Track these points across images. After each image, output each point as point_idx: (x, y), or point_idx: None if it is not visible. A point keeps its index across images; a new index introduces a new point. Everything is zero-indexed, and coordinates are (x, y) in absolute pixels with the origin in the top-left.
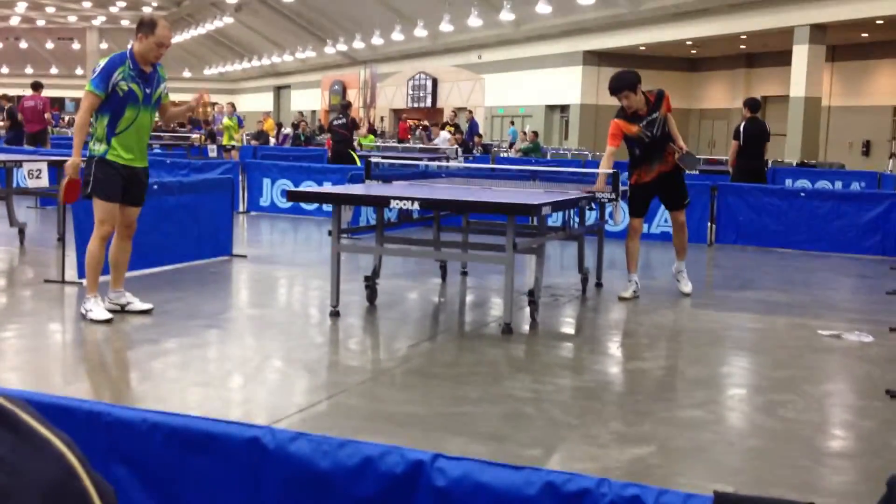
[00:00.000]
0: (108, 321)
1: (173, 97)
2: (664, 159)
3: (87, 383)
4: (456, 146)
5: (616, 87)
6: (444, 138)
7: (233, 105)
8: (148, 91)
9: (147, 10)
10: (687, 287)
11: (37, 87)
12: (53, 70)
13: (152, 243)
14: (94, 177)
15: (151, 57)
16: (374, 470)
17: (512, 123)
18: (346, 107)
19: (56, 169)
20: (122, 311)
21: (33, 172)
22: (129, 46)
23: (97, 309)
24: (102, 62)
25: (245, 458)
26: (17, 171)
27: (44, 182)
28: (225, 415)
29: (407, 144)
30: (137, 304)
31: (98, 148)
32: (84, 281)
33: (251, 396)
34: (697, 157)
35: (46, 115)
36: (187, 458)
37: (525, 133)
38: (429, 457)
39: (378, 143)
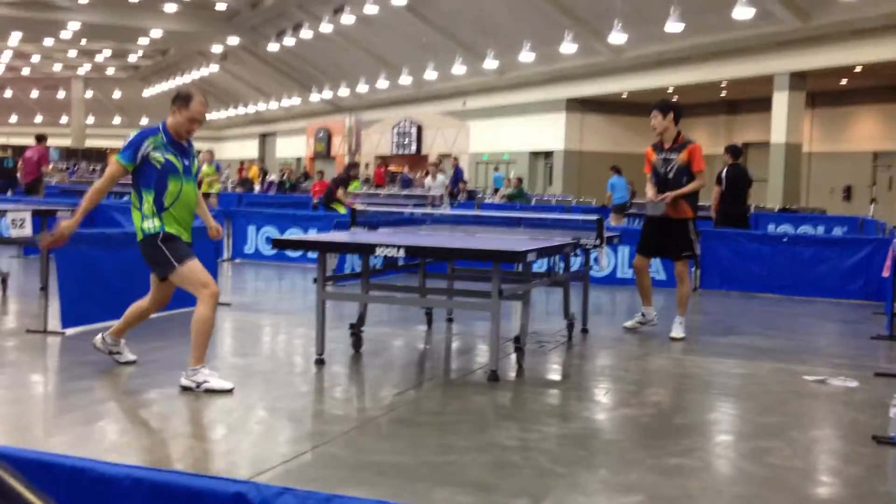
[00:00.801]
0: (230, 390)
1: None
2: (671, 205)
3: (69, 435)
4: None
5: (652, 106)
6: (440, 182)
7: (211, 152)
8: (186, 163)
9: (133, 58)
10: (674, 332)
11: (39, 139)
12: (38, 119)
13: (138, 292)
14: (168, 251)
15: (183, 132)
16: None
17: (496, 169)
18: (350, 166)
19: (41, 218)
20: (108, 354)
21: (16, 221)
22: (163, 120)
23: (214, 379)
24: (133, 134)
25: None
26: (1, 220)
27: (27, 231)
28: (208, 466)
29: (391, 192)
30: (124, 357)
31: (152, 226)
32: (107, 331)
33: (235, 447)
34: (662, 207)
35: (43, 168)
36: None
37: (510, 179)
38: None
39: (363, 190)
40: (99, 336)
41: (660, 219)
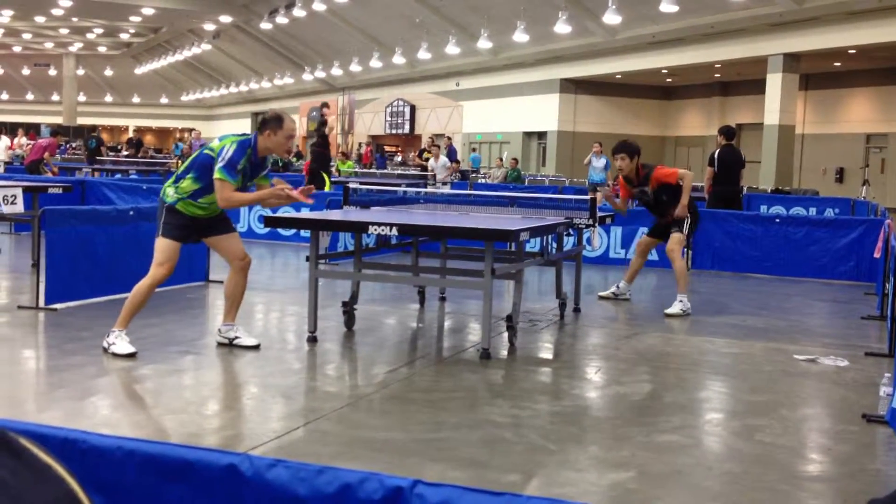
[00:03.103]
0: (131, 355)
1: (150, 123)
2: (667, 217)
3: (62, 411)
4: (450, 174)
5: (616, 148)
6: (443, 164)
7: (197, 132)
8: (248, 183)
9: (124, 36)
10: (669, 308)
11: (54, 133)
12: (29, 96)
13: (128, 269)
14: (165, 221)
15: (282, 150)
16: (353, 497)
17: (474, 150)
18: (320, 124)
19: (31, 195)
20: (230, 344)
21: (8, 198)
22: (253, 135)
23: (121, 343)
24: (229, 148)
25: (222, 485)
26: None
27: (19, 208)
28: (201, 442)
29: (384, 171)
30: (246, 340)
31: (171, 196)
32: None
33: (227, 423)
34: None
35: (46, 154)
36: (163, 485)
37: (501, 160)
38: (408, 483)
39: (356, 170)
40: (217, 332)
41: (665, 224)
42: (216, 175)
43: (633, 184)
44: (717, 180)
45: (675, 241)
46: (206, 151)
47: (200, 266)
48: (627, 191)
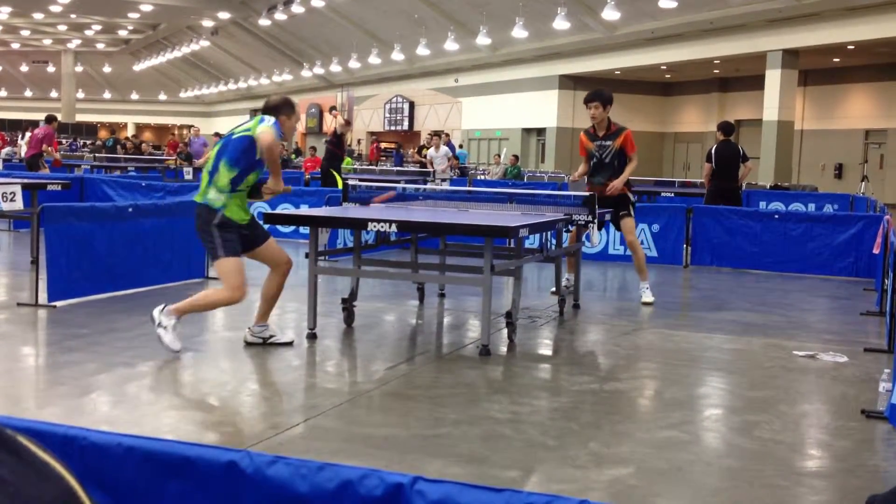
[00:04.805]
0: (175, 352)
1: (149, 120)
2: (606, 184)
3: (61, 407)
4: (446, 166)
5: (589, 97)
6: (444, 153)
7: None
8: (264, 168)
9: (123, 33)
10: (644, 297)
11: (49, 120)
12: (28, 93)
13: (127, 266)
14: (222, 239)
15: (290, 135)
16: (353, 493)
17: (461, 147)
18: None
19: (30, 192)
20: (263, 343)
21: (7, 195)
22: (274, 121)
23: (172, 335)
24: (271, 122)
25: (222, 482)
26: None
27: (18, 205)
28: (200, 438)
29: (384, 167)
30: (281, 337)
31: (217, 200)
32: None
33: (227, 420)
34: (582, 186)
35: (45, 147)
36: (163, 482)
37: (499, 157)
38: (408, 479)
39: (355, 166)
40: (246, 330)
41: (602, 198)
42: (273, 134)
43: (597, 137)
44: (715, 176)
45: (630, 229)
46: (239, 135)
47: (199, 263)
48: (585, 149)
